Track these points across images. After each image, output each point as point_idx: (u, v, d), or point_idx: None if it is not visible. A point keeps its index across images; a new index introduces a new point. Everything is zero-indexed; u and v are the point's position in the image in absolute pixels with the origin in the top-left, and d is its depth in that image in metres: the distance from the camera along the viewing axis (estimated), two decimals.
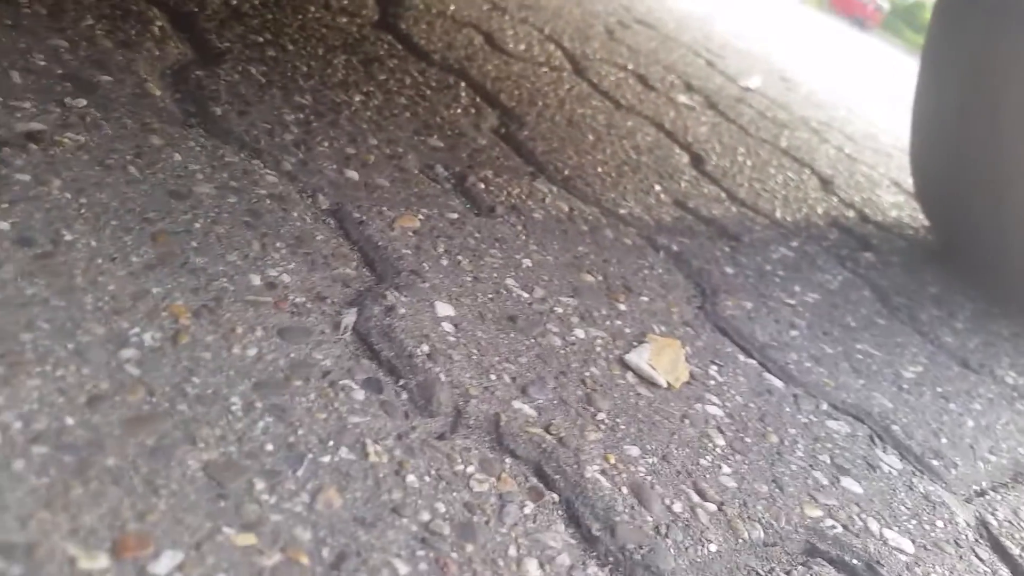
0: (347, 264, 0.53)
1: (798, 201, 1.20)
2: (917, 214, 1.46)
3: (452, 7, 1.34)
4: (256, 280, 0.48)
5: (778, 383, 0.63)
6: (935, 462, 0.61)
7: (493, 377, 0.48)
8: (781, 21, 4.96)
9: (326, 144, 0.69)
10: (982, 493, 0.60)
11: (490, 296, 0.56)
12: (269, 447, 0.38)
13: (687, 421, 0.52)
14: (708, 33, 2.56)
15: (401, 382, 0.45)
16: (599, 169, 0.95)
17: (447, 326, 0.50)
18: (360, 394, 0.43)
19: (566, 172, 0.89)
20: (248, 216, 0.54)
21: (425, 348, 0.47)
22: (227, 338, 0.43)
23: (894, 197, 1.53)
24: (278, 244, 0.52)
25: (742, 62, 2.31)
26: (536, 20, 1.54)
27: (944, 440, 0.64)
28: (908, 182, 1.73)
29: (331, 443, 0.39)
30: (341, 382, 0.43)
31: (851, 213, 1.27)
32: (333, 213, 0.59)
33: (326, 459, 0.39)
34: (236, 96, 0.70)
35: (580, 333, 0.57)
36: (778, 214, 1.09)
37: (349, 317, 0.47)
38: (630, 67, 1.54)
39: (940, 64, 1.12)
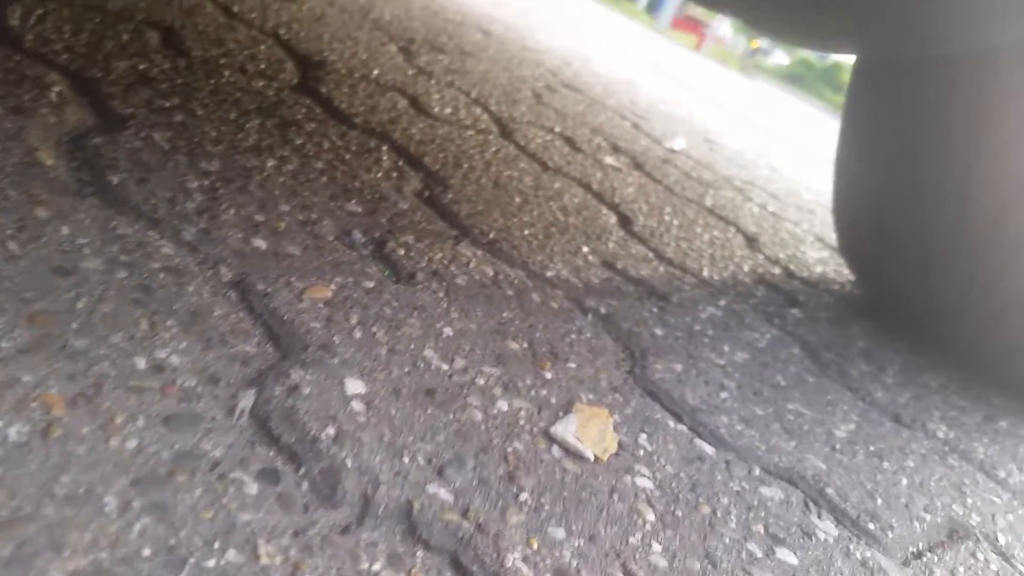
0: (247, 341, 0.49)
1: (725, 259, 1.20)
2: (842, 269, 1.49)
3: (376, 71, 1.33)
4: (141, 363, 0.43)
5: (709, 449, 0.60)
6: (871, 525, 0.59)
7: (406, 459, 0.44)
8: (703, 83, 5.16)
9: (232, 212, 0.65)
10: (919, 555, 0.59)
11: (406, 369, 0.53)
12: (146, 551, 0.34)
13: (616, 496, 0.49)
14: (633, 97, 2.63)
15: (302, 470, 0.41)
16: (526, 231, 0.93)
17: (357, 405, 0.47)
18: (253, 487, 0.39)
19: (491, 235, 0.87)
20: (138, 292, 0.50)
21: (331, 431, 0.44)
22: (105, 429, 0.39)
23: (818, 253, 1.57)
24: (169, 322, 0.48)
25: (667, 124, 2.37)
26: (463, 84, 1.55)
27: (879, 501, 0.63)
28: (831, 238, 1.77)
29: (217, 545, 0.35)
30: (232, 474, 0.39)
31: (777, 270, 1.29)
32: (235, 285, 0.55)
33: (211, 563, 0.34)
34: (137, 164, 0.67)
35: (503, 405, 0.54)
36: (706, 273, 1.09)
37: (246, 400, 0.43)
38: (557, 129, 1.55)
39: (861, 122, 1.16)
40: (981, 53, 0.83)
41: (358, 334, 0.55)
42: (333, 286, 0.60)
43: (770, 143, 3.43)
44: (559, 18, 4.79)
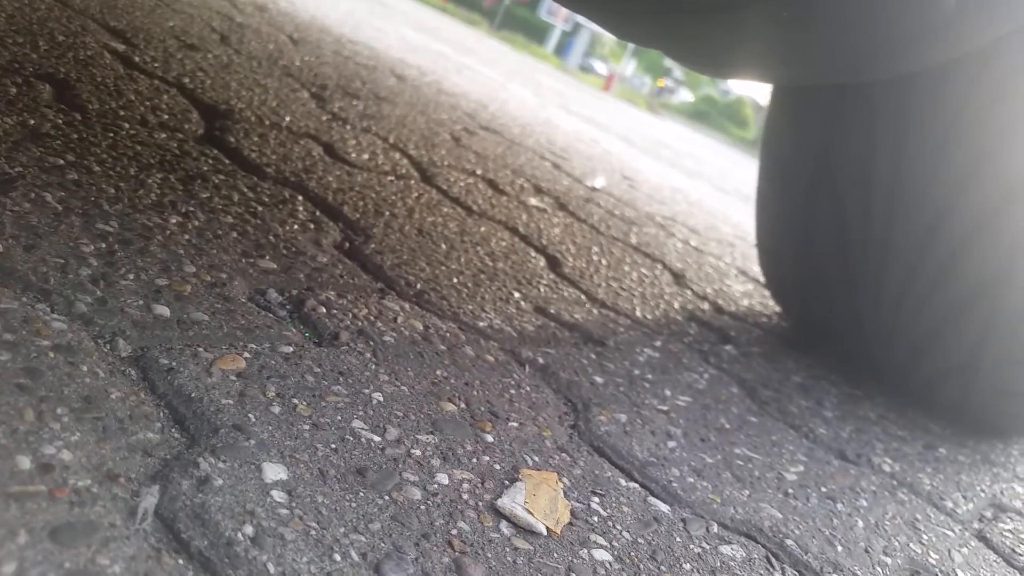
0: (149, 426, 0.43)
1: (655, 297, 1.19)
2: (767, 301, 1.50)
3: (288, 118, 1.27)
4: (26, 463, 0.37)
5: (664, 508, 0.57)
6: None
7: (337, 557, 0.39)
8: (615, 122, 5.28)
9: (132, 277, 0.59)
10: None
11: (333, 446, 0.48)
12: None
13: (573, 575, 0.45)
14: (551, 137, 2.65)
15: None
16: (454, 280, 0.89)
17: (278, 494, 0.41)
18: None
19: (419, 286, 0.82)
20: (24, 377, 0.43)
21: (249, 529, 0.38)
22: None
23: (743, 286, 1.58)
24: (60, 410, 0.41)
25: (586, 163, 2.38)
26: (379, 129, 1.51)
27: (839, 548, 0.61)
28: (753, 270, 1.80)
29: None
30: None
31: (706, 305, 1.28)
32: (135, 361, 0.49)
33: None
34: (24, 228, 0.60)
35: (443, 478, 0.49)
36: (638, 313, 1.07)
37: (149, 499, 0.37)
38: (479, 172, 1.53)
39: (780, 152, 1.17)
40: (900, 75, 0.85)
41: (276, 409, 0.49)
42: (247, 354, 0.54)
43: (683, 178, 3.51)
44: (473, 62, 4.83)
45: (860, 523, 0.66)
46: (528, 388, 0.69)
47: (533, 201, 1.49)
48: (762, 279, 1.60)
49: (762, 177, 1.24)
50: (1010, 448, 1.09)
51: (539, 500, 0.49)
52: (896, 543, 0.65)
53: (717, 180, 4.41)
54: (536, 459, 0.57)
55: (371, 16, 4.48)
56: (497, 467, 0.53)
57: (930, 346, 1.02)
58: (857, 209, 1.00)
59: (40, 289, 0.53)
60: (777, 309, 1.45)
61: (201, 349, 0.53)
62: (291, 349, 0.58)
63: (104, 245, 0.62)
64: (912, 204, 0.93)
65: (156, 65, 1.25)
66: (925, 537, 0.69)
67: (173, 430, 0.44)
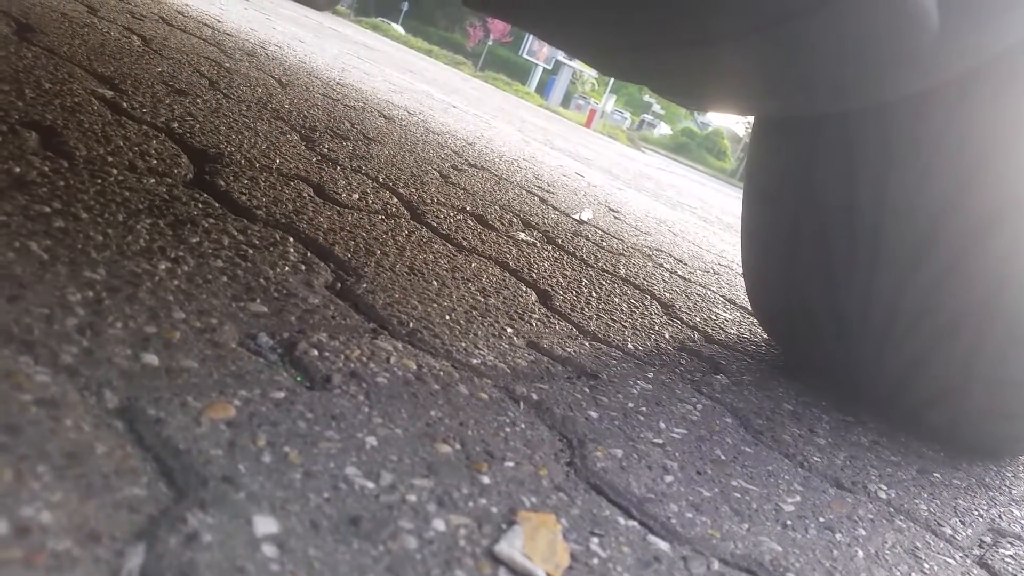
0: (136, 481, 0.42)
1: (645, 328, 1.19)
2: (755, 328, 1.50)
3: (278, 160, 1.28)
4: (2, 527, 0.36)
5: (664, 545, 0.56)
6: None
7: None
8: (598, 156, 5.33)
9: (119, 325, 0.58)
10: None
11: (326, 495, 0.47)
12: None
13: None
14: (537, 172, 2.67)
15: None
16: (447, 317, 0.89)
17: (269, 549, 0.40)
18: None
19: (411, 325, 0.82)
20: (4, 435, 0.42)
21: None
22: None
23: (730, 314, 1.58)
24: (41, 468, 0.41)
25: (572, 197, 2.40)
26: (369, 169, 1.51)
27: None
28: (740, 298, 1.80)
29: None
30: None
31: (695, 335, 1.28)
32: (122, 413, 0.48)
33: None
34: (8, 279, 0.59)
35: (439, 525, 0.48)
36: (630, 344, 1.07)
37: (134, 559, 0.36)
38: (468, 208, 1.54)
39: (763, 180, 1.18)
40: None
41: (267, 458, 0.48)
42: (237, 402, 0.54)
43: (667, 209, 3.54)
44: (458, 101, 4.88)
45: (860, 553, 0.66)
46: (523, 426, 0.69)
47: (522, 236, 1.50)
48: (749, 307, 1.61)
49: (746, 206, 1.25)
50: (1004, 470, 1.08)
51: (537, 544, 0.48)
52: (898, 573, 0.65)
53: (699, 210, 4.44)
54: (533, 500, 0.56)
55: (358, 60, 4.54)
56: (494, 510, 0.53)
57: (919, 370, 1.03)
58: (842, 235, 1.01)
59: (23, 341, 0.52)
60: (765, 335, 1.45)
61: (190, 398, 0.52)
62: (282, 394, 0.57)
63: (91, 293, 0.62)
64: (896, 230, 0.94)
65: (144, 110, 1.26)
66: (927, 566, 0.68)
67: (160, 484, 0.43)
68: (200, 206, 0.92)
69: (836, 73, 0.63)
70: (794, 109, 0.91)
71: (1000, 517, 0.89)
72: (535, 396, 0.76)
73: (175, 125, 1.24)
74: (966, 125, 0.86)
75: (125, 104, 1.25)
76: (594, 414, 0.77)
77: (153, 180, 0.95)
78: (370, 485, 0.50)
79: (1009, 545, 0.82)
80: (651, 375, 0.97)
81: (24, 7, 1.67)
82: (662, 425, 0.81)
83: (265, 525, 0.42)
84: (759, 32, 0.52)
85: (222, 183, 1.05)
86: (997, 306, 0.90)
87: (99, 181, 0.87)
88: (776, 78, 0.66)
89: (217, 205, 0.95)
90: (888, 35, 0.58)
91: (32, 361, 0.50)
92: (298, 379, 0.61)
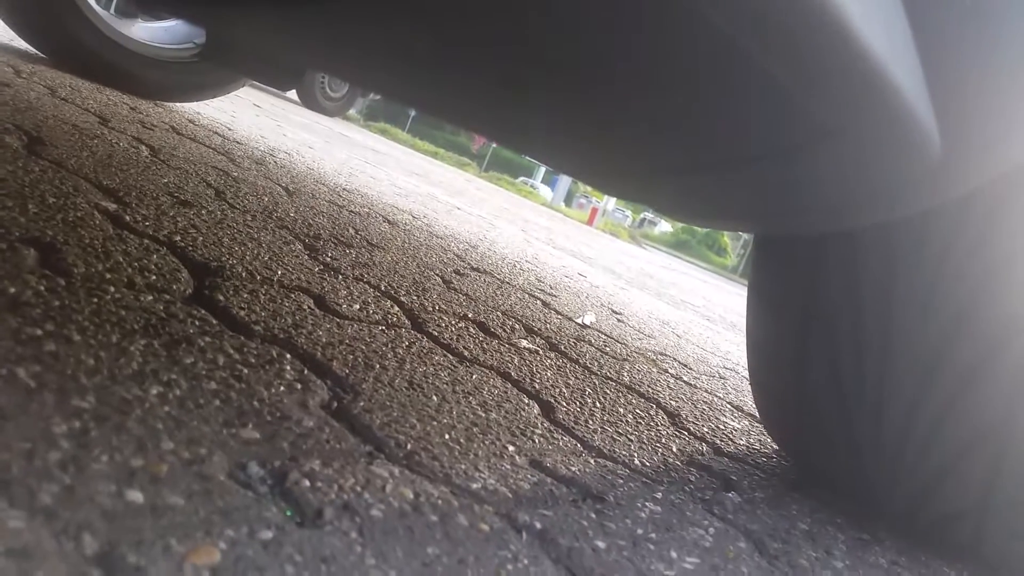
0: None
1: (652, 442, 1.16)
2: (764, 438, 1.46)
3: (279, 272, 1.28)
4: None
5: None
6: None
7: None
8: (600, 254, 5.38)
9: (105, 459, 0.56)
10: None
11: None
12: None
13: None
14: (539, 274, 2.68)
15: None
16: (446, 436, 0.86)
17: None
18: None
19: (409, 446, 0.79)
20: None
21: None
22: None
23: (738, 422, 1.55)
24: None
25: (575, 299, 2.40)
26: (371, 277, 1.51)
27: None
28: (747, 404, 1.77)
29: None
30: None
31: (704, 447, 1.25)
32: (100, 560, 0.45)
33: None
34: None
35: None
36: (636, 460, 1.04)
37: None
38: (470, 315, 1.53)
39: (768, 291, 1.17)
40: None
41: None
42: (223, 544, 0.51)
43: (670, 309, 3.53)
44: (462, 202, 4.97)
45: None
46: (526, 561, 0.65)
47: (524, 343, 1.48)
48: (756, 414, 1.57)
49: (751, 316, 1.24)
50: None
51: None
52: None
53: (702, 308, 4.44)
54: None
55: (365, 164, 4.65)
56: None
57: (937, 488, 0.99)
58: (849, 351, 0.99)
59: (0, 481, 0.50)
60: (774, 446, 1.41)
61: (174, 540, 0.49)
62: (271, 534, 0.54)
63: (78, 424, 0.59)
64: (906, 344, 0.92)
65: (147, 224, 1.27)
66: None
67: None
68: (197, 324, 0.91)
69: (837, 198, 0.63)
70: (794, 229, 0.92)
71: None
72: (538, 524, 0.73)
73: (177, 238, 1.25)
74: (971, 239, 0.85)
75: (128, 217, 1.26)
76: (601, 544, 0.73)
77: (151, 297, 0.94)
78: None
79: None
80: (660, 495, 0.94)
81: (37, 120, 1.72)
82: (673, 554, 0.77)
83: None
84: (758, 163, 0.52)
85: (221, 298, 1.04)
86: (1016, 423, 0.87)
87: (95, 300, 0.86)
88: (775, 203, 0.66)
89: (215, 322, 0.94)
90: (890, 161, 0.58)
91: (7, 504, 0.47)
92: (288, 513, 0.59)
